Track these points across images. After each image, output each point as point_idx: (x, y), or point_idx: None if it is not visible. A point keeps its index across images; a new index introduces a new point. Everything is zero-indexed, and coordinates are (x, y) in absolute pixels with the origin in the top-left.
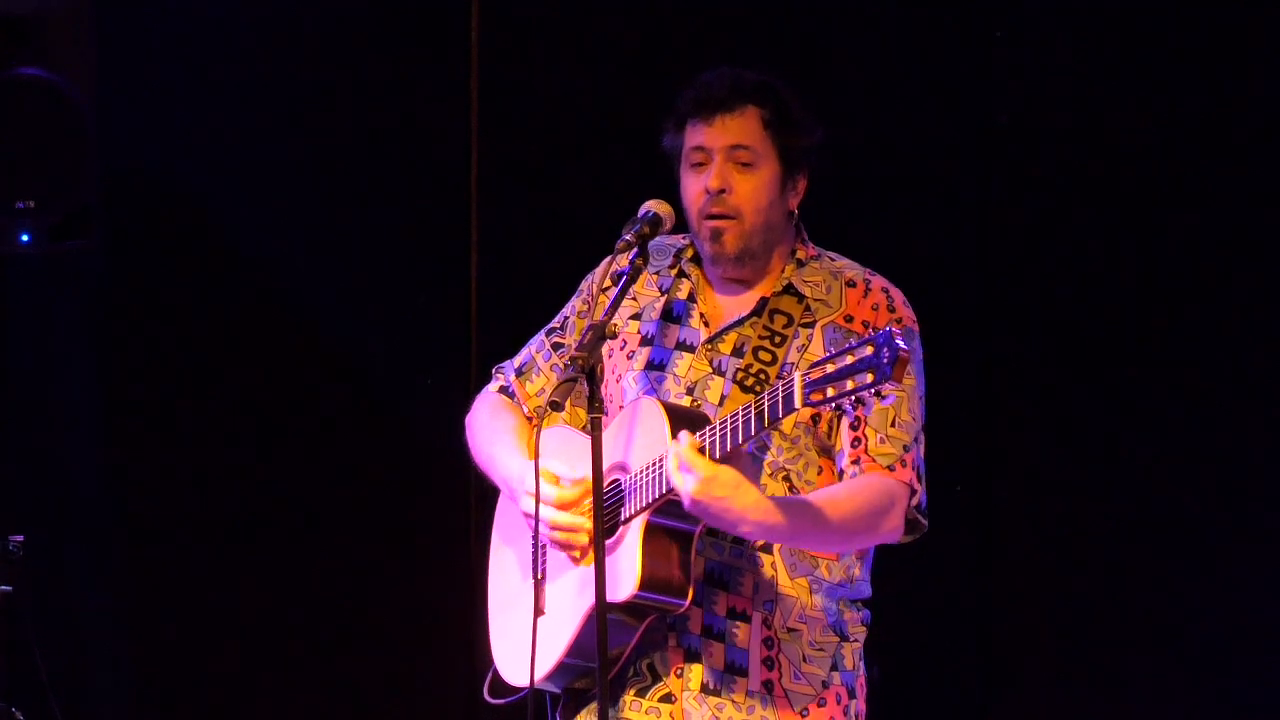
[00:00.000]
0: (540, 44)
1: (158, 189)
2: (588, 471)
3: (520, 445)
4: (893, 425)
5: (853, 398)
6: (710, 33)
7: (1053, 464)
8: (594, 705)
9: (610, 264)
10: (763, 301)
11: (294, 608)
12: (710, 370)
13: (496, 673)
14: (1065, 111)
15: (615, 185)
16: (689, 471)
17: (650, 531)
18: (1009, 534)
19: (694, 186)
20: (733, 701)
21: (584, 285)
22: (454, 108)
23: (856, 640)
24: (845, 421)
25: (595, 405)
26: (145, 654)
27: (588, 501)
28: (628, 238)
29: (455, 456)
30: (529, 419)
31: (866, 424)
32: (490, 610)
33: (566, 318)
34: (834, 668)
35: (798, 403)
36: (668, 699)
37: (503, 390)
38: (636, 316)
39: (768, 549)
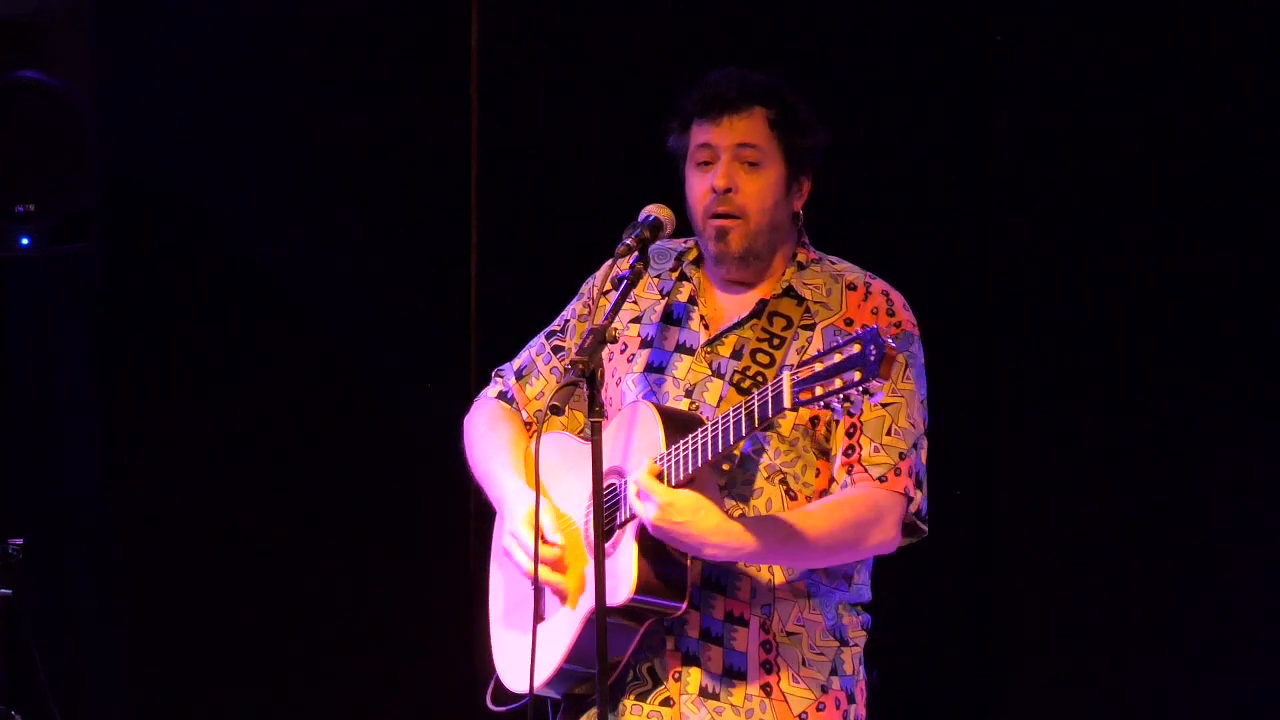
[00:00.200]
0: (540, 48)
1: (157, 192)
2: (581, 482)
3: (516, 462)
4: (889, 433)
5: (842, 396)
6: (710, 37)
7: (1053, 465)
8: (594, 710)
9: (611, 267)
10: (762, 304)
11: (294, 609)
12: (709, 372)
13: (498, 680)
14: (1065, 114)
15: (615, 189)
16: (647, 499)
17: (645, 535)
18: (1009, 536)
19: (700, 185)
20: (731, 705)
21: (584, 288)
22: (454, 110)
23: (856, 645)
24: (841, 427)
25: (595, 409)
26: (145, 655)
27: (583, 507)
28: (628, 242)
29: (455, 459)
30: (527, 424)
31: (862, 432)
32: (491, 618)
33: (566, 321)
34: (833, 672)
35: (787, 402)
36: (667, 703)
37: (501, 395)
38: (637, 319)
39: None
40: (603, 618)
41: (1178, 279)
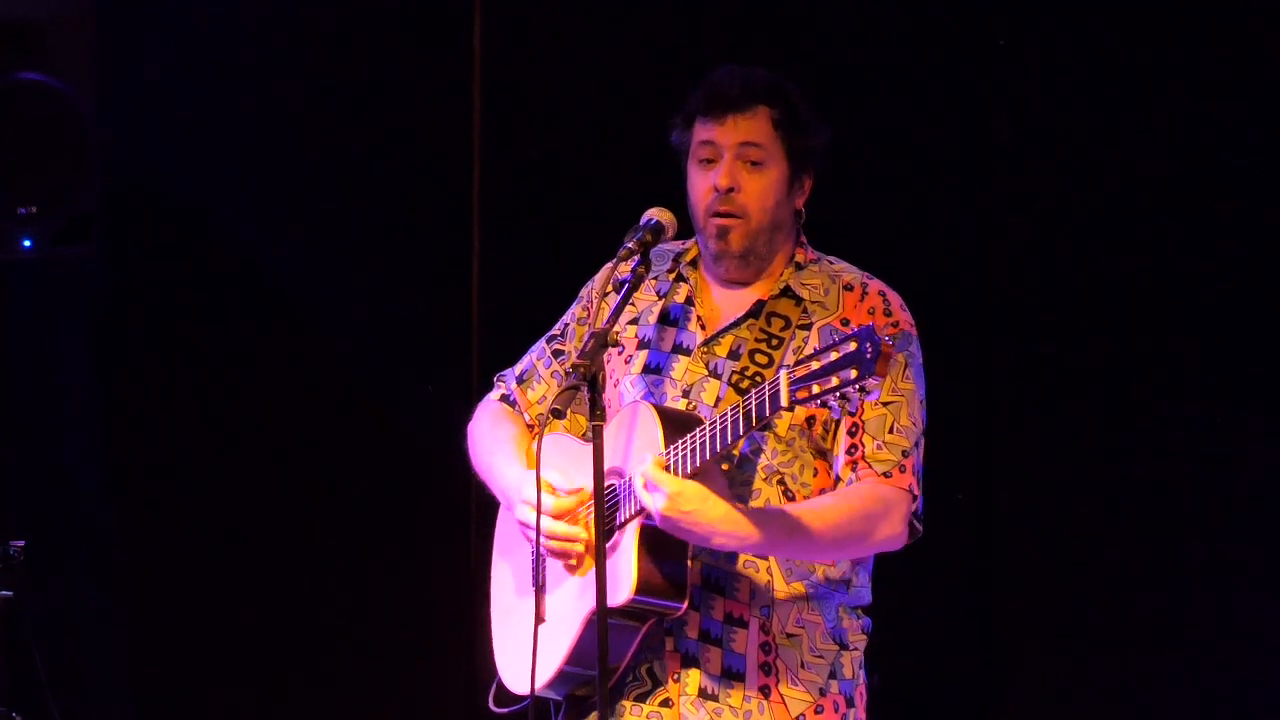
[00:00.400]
0: (543, 48)
1: (158, 194)
2: (584, 480)
3: (519, 455)
4: (890, 431)
5: (838, 394)
6: (712, 37)
7: (1053, 465)
8: (595, 713)
9: (611, 270)
10: (760, 304)
11: (294, 610)
12: (706, 373)
13: (500, 682)
14: (1066, 116)
15: (618, 190)
16: (655, 489)
17: (645, 535)
18: (1009, 537)
19: (702, 184)
20: (730, 706)
21: (584, 292)
22: (456, 112)
23: (856, 649)
24: (843, 427)
25: (597, 413)
26: (145, 655)
27: (583, 509)
28: (630, 245)
29: (456, 461)
30: (530, 427)
31: (865, 430)
32: (493, 620)
33: (567, 325)
34: (832, 675)
35: (784, 400)
36: (666, 704)
37: (504, 399)
38: (634, 321)
39: (763, 554)
40: (603, 619)
41: (1178, 279)
